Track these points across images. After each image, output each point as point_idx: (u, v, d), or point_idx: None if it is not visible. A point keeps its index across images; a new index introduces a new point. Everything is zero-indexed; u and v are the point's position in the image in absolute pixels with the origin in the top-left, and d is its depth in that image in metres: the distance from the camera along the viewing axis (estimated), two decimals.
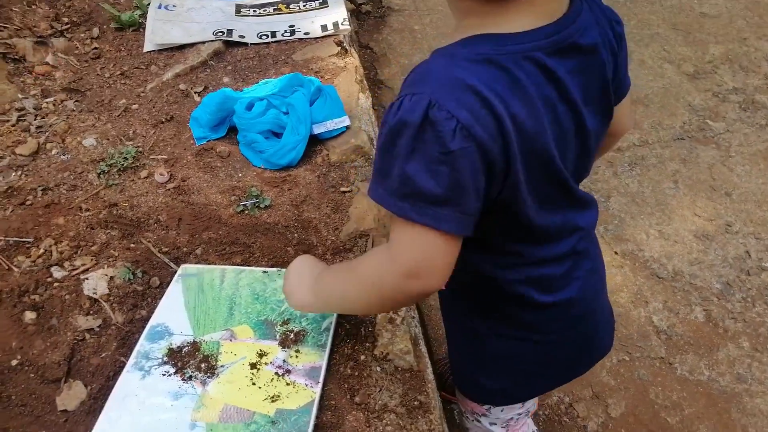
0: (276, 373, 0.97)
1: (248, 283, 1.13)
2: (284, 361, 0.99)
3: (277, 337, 1.03)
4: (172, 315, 1.07)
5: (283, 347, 1.01)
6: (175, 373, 0.97)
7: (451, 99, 0.65)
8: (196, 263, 1.20)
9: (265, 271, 1.16)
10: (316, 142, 1.54)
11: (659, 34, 3.10)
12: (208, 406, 0.93)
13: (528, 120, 0.69)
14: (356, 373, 1.00)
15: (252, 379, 0.96)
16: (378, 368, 1.01)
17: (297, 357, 0.99)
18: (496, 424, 1.16)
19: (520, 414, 1.15)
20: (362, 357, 1.03)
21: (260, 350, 1.01)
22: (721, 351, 1.79)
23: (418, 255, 0.72)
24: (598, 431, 1.65)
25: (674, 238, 2.10)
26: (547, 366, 1.00)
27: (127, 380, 0.96)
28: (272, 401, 0.93)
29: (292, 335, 1.03)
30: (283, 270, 1.15)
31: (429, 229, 0.70)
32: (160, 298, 1.11)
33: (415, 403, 0.96)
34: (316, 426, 0.91)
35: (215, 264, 1.19)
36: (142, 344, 1.02)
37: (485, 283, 0.89)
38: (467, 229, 0.72)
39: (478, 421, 1.18)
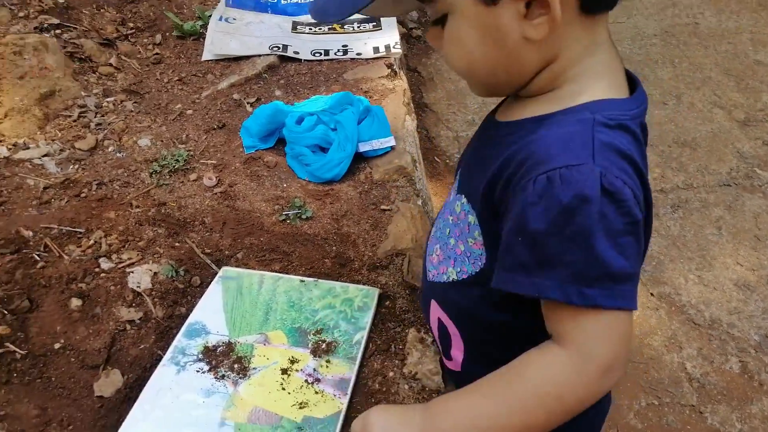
0: (306, 381, 0.99)
1: (285, 290, 1.16)
2: (314, 369, 1.01)
3: (309, 345, 1.05)
4: (210, 314, 1.10)
5: (315, 356, 1.03)
6: (209, 370, 1.00)
7: (616, 165, 0.61)
8: (236, 267, 1.23)
9: (302, 280, 1.18)
10: (360, 159, 1.57)
11: (711, 78, 3.07)
12: (238, 406, 0.95)
13: (648, 183, 0.68)
14: (384, 389, 1.01)
15: (282, 384, 0.98)
16: (406, 386, 1.02)
17: (327, 367, 1.01)
18: None
19: None
20: (391, 374, 1.04)
21: (292, 356, 1.03)
22: (755, 405, 1.74)
23: (618, 345, 0.63)
24: None
25: (714, 285, 2.06)
26: (592, 425, 0.97)
27: (163, 374, 0.99)
28: (300, 408, 0.95)
29: (323, 345, 1.05)
30: (321, 281, 1.18)
31: (620, 312, 0.63)
32: (200, 297, 1.14)
33: None
34: None
35: (255, 269, 1.22)
36: (179, 340, 1.05)
37: None
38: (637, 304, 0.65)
39: None
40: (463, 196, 0.80)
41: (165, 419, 0.93)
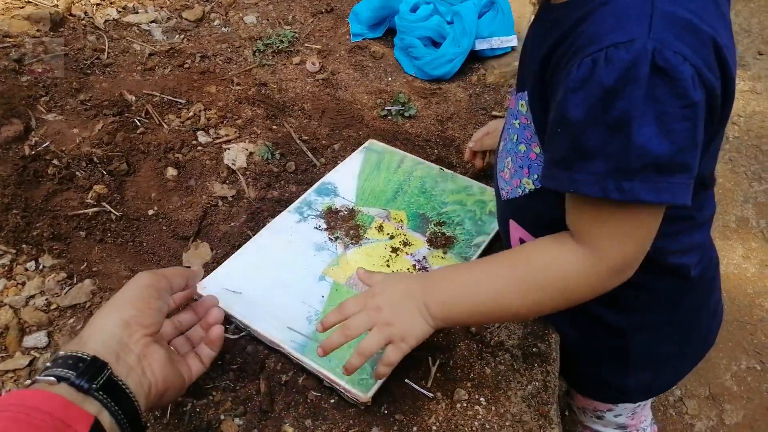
0: (413, 265, 0.95)
1: (421, 175, 1.11)
2: (424, 257, 0.96)
3: (427, 234, 1.00)
4: (344, 179, 1.09)
5: (429, 245, 0.98)
6: (326, 230, 1.00)
7: (676, 39, 0.52)
8: (333, 158, 1.17)
9: (442, 169, 1.13)
10: (475, 58, 1.44)
11: None
12: (341, 266, 0.94)
13: (731, 48, 0.58)
14: None
15: (389, 261, 0.95)
16: None
17: (442, 258, 0.96)
18: (621, 415, 1.04)
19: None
20: None
21: (406, 239, 0.99)
22: None
23: (636, 245, 0.62)
24: None
25: None
26: (687, 344, 0.90)
27: (286, 218, 1.01)
28: None
29: (442, 238, 1.00)
30: (459, 176, 1.12)
31: (650, 209, 0.59)
32: (294, 183, 1.11)
33: (534, 349, 0.89)
34: (426, 341, 0.86)
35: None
36: (309, 194, 1.06)
37: None
38: (690, 198, 0.58)
39: (600, 417, 1.06)
40: (526, 92, 0.70)
41: (274, 257, 0.95)
